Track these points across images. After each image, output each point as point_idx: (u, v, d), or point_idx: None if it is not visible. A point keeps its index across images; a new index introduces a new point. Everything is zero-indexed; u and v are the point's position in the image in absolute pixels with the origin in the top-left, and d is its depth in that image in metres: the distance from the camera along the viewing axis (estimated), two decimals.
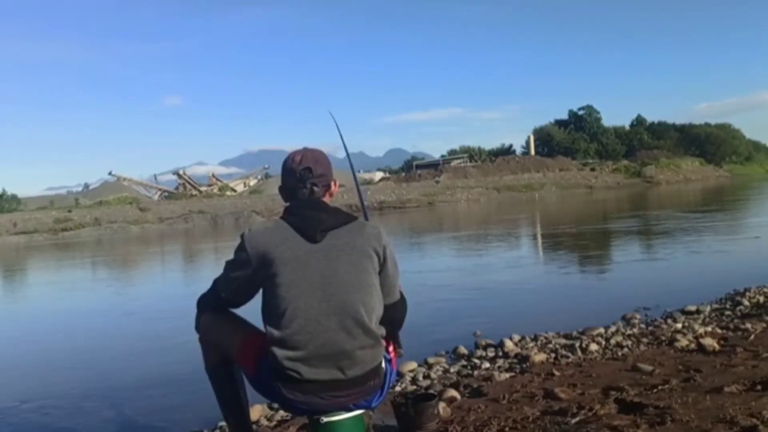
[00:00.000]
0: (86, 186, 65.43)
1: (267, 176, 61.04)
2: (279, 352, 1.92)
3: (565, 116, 67.76)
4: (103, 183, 59.65)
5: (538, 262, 10.83)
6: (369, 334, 1.97)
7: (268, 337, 1.95)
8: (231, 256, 2.04)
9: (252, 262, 1.96)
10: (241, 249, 2.00)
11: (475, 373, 4.04)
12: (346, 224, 2.03)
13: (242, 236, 2.02)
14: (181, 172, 57.24)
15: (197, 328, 2.24)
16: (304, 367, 1.91)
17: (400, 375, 4.14)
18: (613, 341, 4.50)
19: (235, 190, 55.35)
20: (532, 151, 60.56)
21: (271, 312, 1.95)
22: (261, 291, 2.03)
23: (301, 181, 2.07)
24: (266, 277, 1.96)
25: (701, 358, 3.63)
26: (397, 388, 3.82)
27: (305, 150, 2.15)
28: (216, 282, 2.11)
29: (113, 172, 55.49)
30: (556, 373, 3.59)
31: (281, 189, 2.16)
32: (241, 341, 2.10)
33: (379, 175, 61.58)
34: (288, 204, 2.11)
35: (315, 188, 2.08)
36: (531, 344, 4.69)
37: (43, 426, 3.83)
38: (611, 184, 50.39)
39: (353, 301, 1.96)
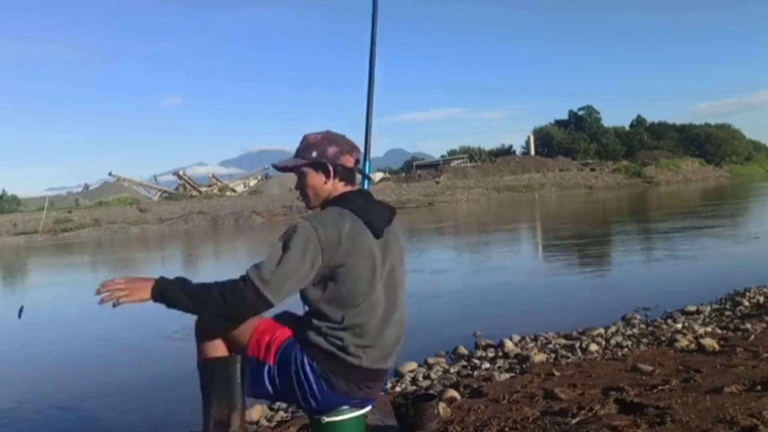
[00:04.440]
0: (86, 186, 65.25)
1: (267, 177, 61.00)
2: (347, 338, 1.94)
3: (565, 116, 67.70)
4: (103, 183, 59.51)
5: (538, 262, 10.83)
6: (405, 327, 2.11)
7: (330, 323, 1.94)
8: (291, 249, 1.84)
9: (322, 253, 1.87)
10: (311, 241, 1.86)
11: (475, 373, 4.04)
12: (393, 219, 2.10)
13: (312, 228, 1.87)
14: (181, 172, 57.17)
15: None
16: (365, 354, 1.97)
17: (400, 375, 4.15)
18: (613, 341, 4.51)
19: (235, 191, 55.31)
20: (532, 152, 60.50)
21: (343, 301, 1.93)
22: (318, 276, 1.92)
23: (357, 167, 2.12)
24: (336, 266, 1.91)
25: (701, 359, 3.63)
26: (397, 389, 3.82)
27: (343, 136, 2.12)
28: (263, 280, 1.83)
29: (113, 173, 55.44)
30: (556, 373, 3.59)
31: (339, 168, 2.04)
32: (255, 326, 2.03)
33: (379, 175, 61.47)
34: (345, 191, 2.05)
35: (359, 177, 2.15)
36: (531, 344, 4.69)
37: (43, 426, 3.83)
38: (611, 184, 50.33)
39: (403, 297, 2.09)
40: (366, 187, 2.59)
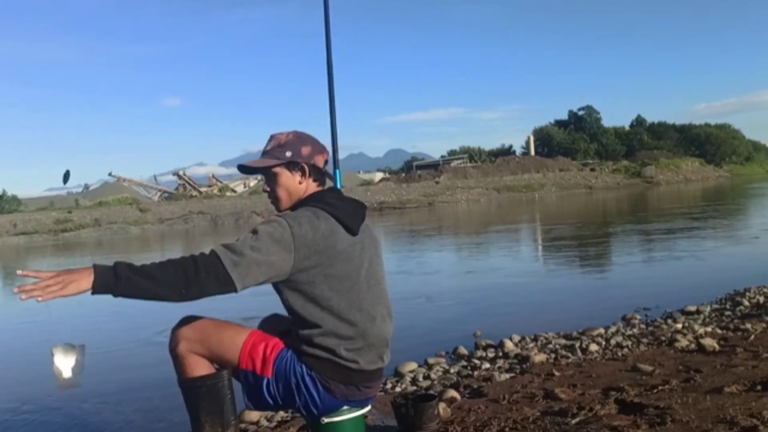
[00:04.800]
0: (86, 187, 65.31)
1: None
2: (336, 343, 1.92)
3: (565, 116, 67.75)
4: (103, 184, 59.57)
5: (538, 262, 10.83)
6: (393, 323, 2.11)
7: (315, 329, 1.91)
8: (264, 239, 1.80)
9: (295, 251, 1.83)
10: (285, 236, 1.82)
11: (475, 373, 4.03)
12: (365, 215, 2.10)
13: (287, 224, 1.84)
14: (181, 172, 57.14)
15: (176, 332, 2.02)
16: (359, 356, 1.96)
17: (400, 376, 4.14)
18: (613, 342, 4.51)
19: (235, 191, 55.28)
20: (532, 152, 60.50)
21: (323, 304, 1.90)
22: (295, 282, 1.89)
23: (326, 169, 2.12)
24: (312, 267, 1.87)
25: (701, 359, 3.63)
26: (397, 389, 3.82)
27: (312, 136, 2.12)
28: (233, 262, 1.76)
29: (113, 173, 55.45)
30: (556, 373, 3.59)
31: (313, 168, 2.03)
32: (245, 339, 2.00)
33: (379, 175, 61.48)
34: (317, 191, 2.05)
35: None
36: (531, 344, 4.69)
37: (43, 426, 3.83)
38: (611, 184, 50.34)
39: (386, 292, 2.10)
40: (339, 187, 2.64)
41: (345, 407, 2.01)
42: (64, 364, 1.77)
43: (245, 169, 2.13)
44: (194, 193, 51.57)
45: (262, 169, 2.06)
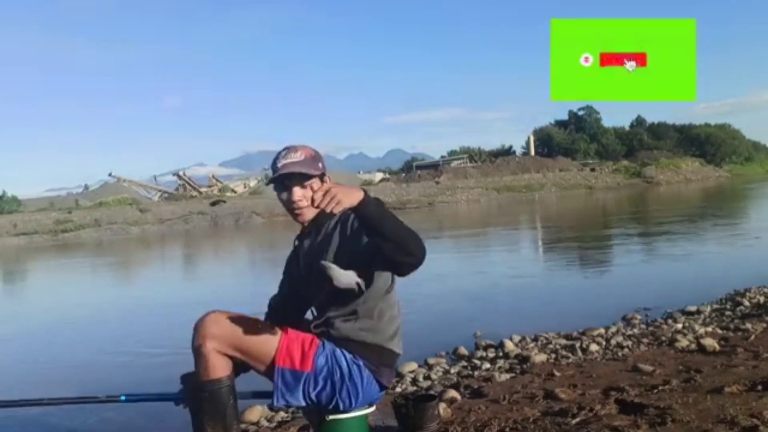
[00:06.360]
0: (86, 187, 65.12)
1: (267, 177, 60.67)
2: (393, 325, 2.09)
3: (565, 116, 67.69)
4: (103, 184, 59.44)
5: (538, 262, 10.83)
6: None
7: (385, 311, 2.05)
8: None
9: None
10: None
11: (476, 373, 4.04)
12: None
13: None
14: (181, 173, 57.10)
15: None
16: (399, 339, 2.11)
17: (400, 376, 4.15)
18: (613, 342, 4.51)
19: (235, 191, 55.26)
20: (532, 152, 60.45)
21: (390, 288, 2.08)
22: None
23: None
24: None
25: (701, 359, 3.63)
26: (398, 389, 3.82)
27: None
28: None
29: (113, 173, 55.37)
30: (557, 373, 3.59)
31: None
32: (280, 336, 1.99)
33: (379, 176, 61.47)
34: None
35: None
36: (531, 345, 4.69)
37: (43, 426, 3.84)
38: (611, 184, 50.30)
39: None
40: None
41: (351, 408, 2.01)
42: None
43: (288, 177, 2.07)
44: (194, 193, 51.54)
45: (302, 175, 2.06)
